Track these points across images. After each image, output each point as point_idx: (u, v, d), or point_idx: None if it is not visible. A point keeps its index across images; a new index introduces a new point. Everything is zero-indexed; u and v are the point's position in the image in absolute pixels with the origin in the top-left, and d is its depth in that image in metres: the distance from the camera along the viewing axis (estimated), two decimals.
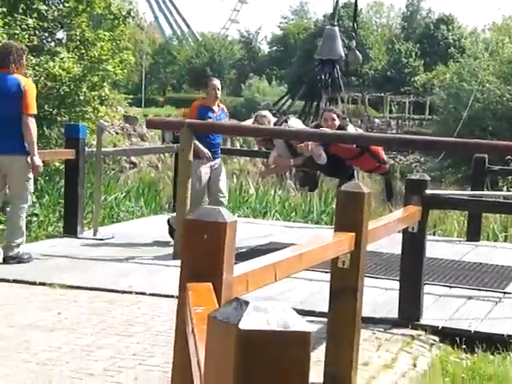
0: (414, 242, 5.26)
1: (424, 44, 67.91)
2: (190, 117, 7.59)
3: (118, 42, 11.92)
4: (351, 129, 7.31)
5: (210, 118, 7.58)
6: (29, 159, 6.38)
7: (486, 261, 7.44)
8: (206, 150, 7.51)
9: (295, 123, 7.53)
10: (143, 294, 5.68)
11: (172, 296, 4.85)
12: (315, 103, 8.06)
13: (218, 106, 7.77)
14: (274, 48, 78.66)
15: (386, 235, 4.70)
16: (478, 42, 33.02)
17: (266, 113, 7.73)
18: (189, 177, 6.87)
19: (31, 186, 6.61)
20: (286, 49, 74.65)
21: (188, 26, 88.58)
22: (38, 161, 6.42)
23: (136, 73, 62.50)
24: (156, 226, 8.60)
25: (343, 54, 8.11)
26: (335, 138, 7.03)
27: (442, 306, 5.73)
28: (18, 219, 6.50)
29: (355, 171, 7.78)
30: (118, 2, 12.48)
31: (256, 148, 11.04)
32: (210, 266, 2.45)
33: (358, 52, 8.69)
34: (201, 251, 2.48)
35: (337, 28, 8.24)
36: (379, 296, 5.91)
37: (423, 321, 5.27)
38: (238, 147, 27.61)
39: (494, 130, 21.92)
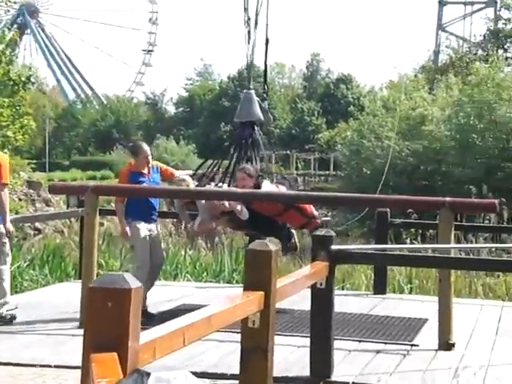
0: (322, 297, 5.30)
1: (325, 103, 70.16)
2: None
3: (18, 107, 11.74)
4: (266, 185, 7.39)
5: (142, 182, 7.39)
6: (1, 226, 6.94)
7: (393, 313, 7.58)
8: (126, 229, 7.33)
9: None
10: (48, 366, 5.46)
11: (78, 367, 4.67)
12: (238, 164, 8.09)
13: (148, 166, 7.56)
14: (181, 109, 79.34)
15: (295, 292, 4.73)
16: (376, 100, 34.26)
17: (185, 177, 7.70)
18: (94, 241, 6.73)
19: (7, 249, 7.09)
20: (192, 109, 75.43)
21: (92, 89, 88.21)
22: (10, 226, 7.11)
23: (39, 137, 61.47)
24: (62, 294, 8.33)
25: (261, 116, 8.29)
26: (249, 197, 7.12)
27: (352, 361, 5.78)
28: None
29: (291, 228, 7.78)
30: (17, 68, 12.33)
31: (165, 209, 10.95)
32: (115, 334, 2.39)
33: (269, 113, 8.91)
34: (105, 320, 2.42)
35: (253, 91, 8.42)
36: (291, 354, 5.91)
37: (334, 377, 5.28)
38: None
39: (394, 185, 22.66)
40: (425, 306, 7.96)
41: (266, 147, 8.33)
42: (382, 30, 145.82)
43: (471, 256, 9.41)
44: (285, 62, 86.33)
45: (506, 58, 36.15)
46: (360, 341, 6.38)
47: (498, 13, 44.43)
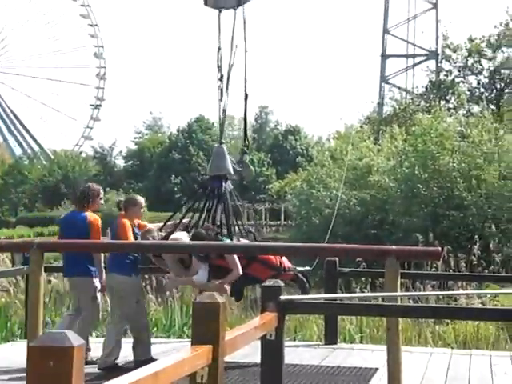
0: (272, 349, 5.27)
1: (275, 153, 70.87)
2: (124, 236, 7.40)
3: None
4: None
5: (137, 234, 7.48)
6: (96, 280, 7.54)
7: (344, 364, 7.58)
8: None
9: (180, 236, 7.52)
10: None
11: None
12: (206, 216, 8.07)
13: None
14: (130, 162, 78.96)
15: (244, 345, 4.71)
16: (324, 151, 34.72)
17: (152, 228, 7.69)
18: (40, 300, 6.59)
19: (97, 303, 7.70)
20: (141, 162, 75.18)
21: (39, 145, 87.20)
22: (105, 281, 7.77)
23: None
24: (7, 354, 8.11)
25: (231, 170, 8.33)
26: (203, 249, 7.14)
27: None
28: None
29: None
30: None
31: None
32: None
33: (250, 166, 8.98)
34: (47, 379, 2.38)
35: (224, 146, 8.48)
36: None
37: None
38: None
39: (344, 234, 22.84)
40: (375, 355, 7.98)
41: (239, 200, 8.37)
42: (328, 83, 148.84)
43: (419, 304, 9.51)
44: (234, 114, 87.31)
45: (448, 109, 37.18)
46: None
47: (439, 65, 45.85)
